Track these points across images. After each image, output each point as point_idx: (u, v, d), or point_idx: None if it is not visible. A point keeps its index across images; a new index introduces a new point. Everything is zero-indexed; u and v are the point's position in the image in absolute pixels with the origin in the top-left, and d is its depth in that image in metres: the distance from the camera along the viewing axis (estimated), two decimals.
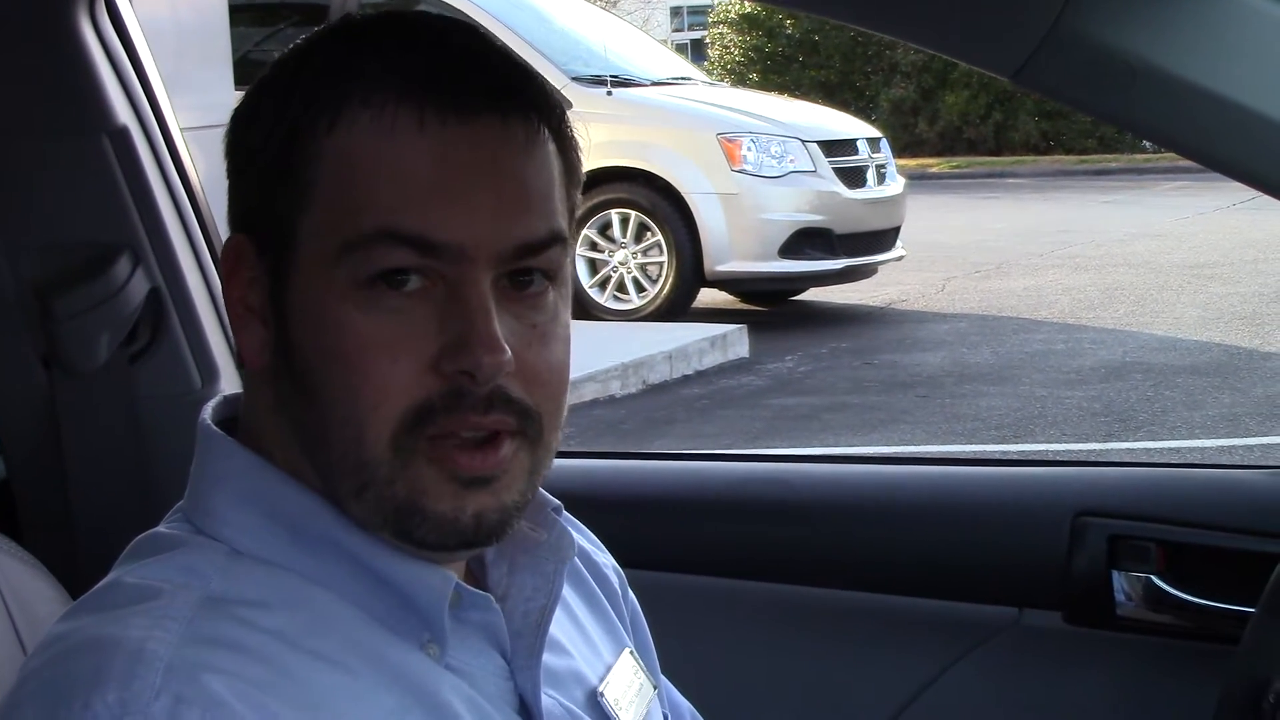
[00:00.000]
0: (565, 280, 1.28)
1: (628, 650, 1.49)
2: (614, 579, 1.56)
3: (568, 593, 1.40)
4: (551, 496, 1.37)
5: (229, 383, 2.19)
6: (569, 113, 1.30)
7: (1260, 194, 1.46)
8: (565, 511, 1.39)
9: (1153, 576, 2.09)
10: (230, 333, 1.40)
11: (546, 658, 1.32)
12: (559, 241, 1.25)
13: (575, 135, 1.30)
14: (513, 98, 1.24)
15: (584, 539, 1.53)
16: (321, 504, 1.24)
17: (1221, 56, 1.37)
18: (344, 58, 1.24)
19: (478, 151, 1.21)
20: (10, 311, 2.12)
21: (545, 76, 1.29)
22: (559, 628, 1.37)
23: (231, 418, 1.33)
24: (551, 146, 1.26)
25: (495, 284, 1.22)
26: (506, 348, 1.19)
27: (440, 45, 1.24)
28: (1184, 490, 2.16)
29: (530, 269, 1.24)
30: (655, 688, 1.51)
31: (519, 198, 1.22)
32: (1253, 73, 1.37)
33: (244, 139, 1.28)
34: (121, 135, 2.14)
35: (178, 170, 2.21)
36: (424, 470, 1.20)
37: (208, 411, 1.33)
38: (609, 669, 1.44)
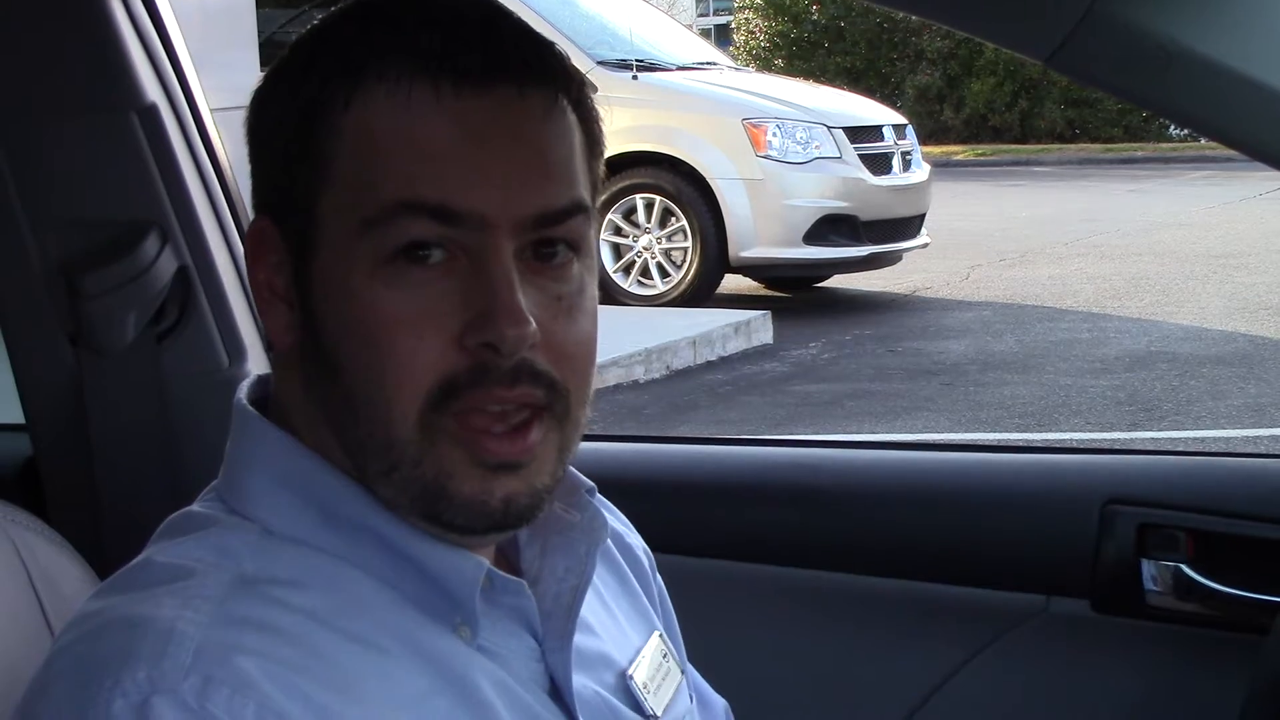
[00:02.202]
0: (590, 252, 1.27)
1: (657, 633, 1.49)
2: (645, 560, 1.56)
3: (598, 574, 1.40)
4: (585, 478, 1.36)
5: (256, 362, 2.19)
6: (594, 97, 1.30)
7: None
8: (598, 493, 1.38)
9: (1182, 565, 2.08)
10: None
11: (577, 639, 1.31)
12: (581, 211, 1.24)
13: (596, 107, 1.29)
14: (529, 68, 1.23)
15: (616, 520, 1.52)
16: (353, 486, 1.24)
17: (1258, 40, 1.36)
18: (359, 35, 1.23)
19: (495, 120, 1.20)
20: (37, 289, 2.12)
21: (567, 53, 1.29)
22: (589, 609, 1.37)
23: (266, 398, 1.33)
24: (572, 117, 1.25)
25: (519, 256, 1.21)
26: (530, 319, 1.18)
27: (456, 18, 1.23)
28: (1215, 479, 2.15)
29: (553, 240, 1.23)
30: (683, 671, 1.50)
31: (539, 166, 1.22)
32: None
33: (263, 120, 1.28)
34: (150, 113, 2.13)
35: (206, 149, 2.21)
36: (450, 452, 1.19)
37: (243, 391, 1.32)
38: (638, 651, 1.44)
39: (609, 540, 1.42)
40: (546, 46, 1.26)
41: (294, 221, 1.24)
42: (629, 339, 9.30)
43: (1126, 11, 1.34)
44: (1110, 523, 2.11)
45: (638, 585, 1.52)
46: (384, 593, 1.23)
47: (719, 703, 1.60)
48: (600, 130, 1.29)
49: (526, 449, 1.21)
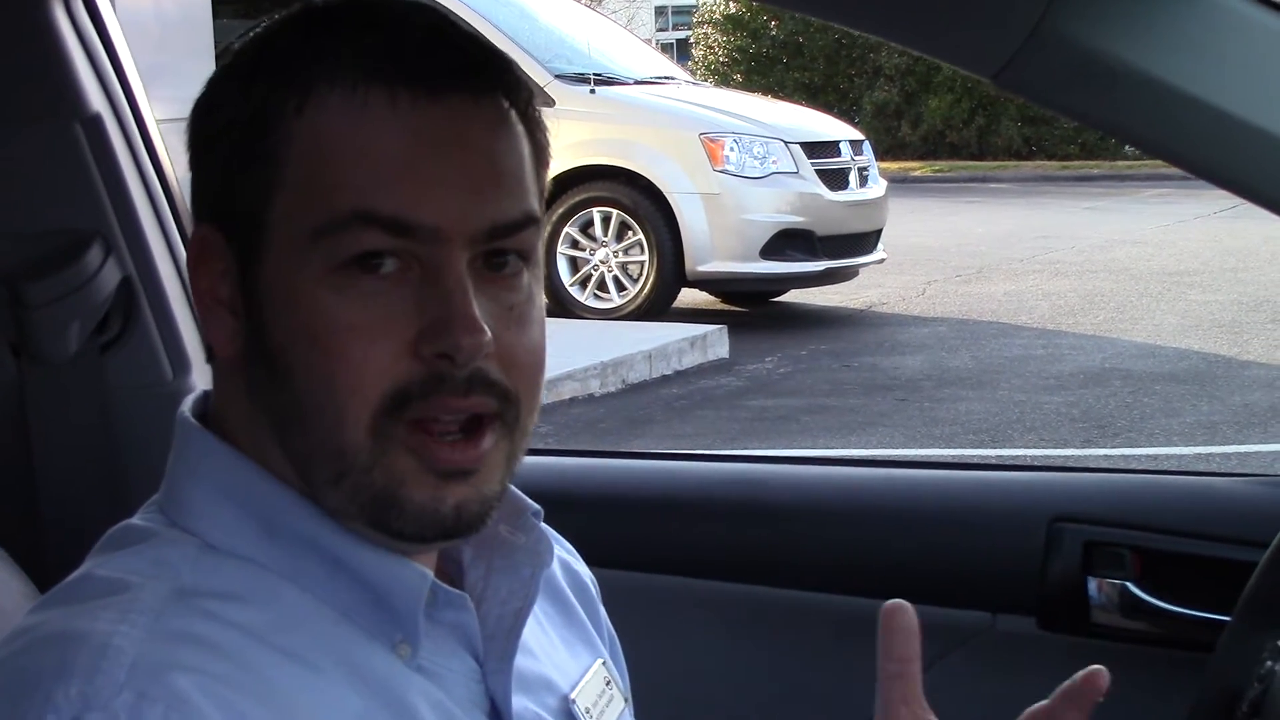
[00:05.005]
0: (538, 261, 1.27)
1: (600, 660, 1.48)
2: (591, 589, 1.55)
3: (541, 601, 1.39)
4: (532, 501, 1.35)
5: (201, 374, 2.17)
6: (552, 110, 1.29)
7: (1241, 202, 1.46)
8: (545, 520, 1.37)
9: (1128, 583, 2.09)
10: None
11: (518, 662, 1.31)
12: (532, 223, 1.25)
13: (541, 116, 1.29)
14: (482, 76, 1.23)
15: (561, 548, 1.51)
16: (296, 498, 1.23)
17: (1204, 61, 1.37)
18: (309, 41, 1.22)
19: (450, 131, 1.20)
20: None
21: (528, 72, 1.28)
22: (531, 635, 1.36)
23: (209, 412, 1.32)
24: (520, 127, 1.25)
25: (471, 265, 1.20)
26: (486, 328, 1.18)
27: (405, 25, 1.23)
28: (1160, 497, 2.16)
29: (505, 250, 1.23)
30: (626, 700, 1.49)
31: (492, 178, 1.22)
32: (1235, 77, 1.36)
33: (208, 126, 1.26)
34: (94, 123, 2.11)
35: (151, 159, 2.19)
36: (402, 459, 1.19)
37: (187, 405, 1.31)
38: (581, 676, 1.43)
39: (555, 568, 1.41)
40: (495, 54, 1.27)
41: (241, 227, 1.23)
42: (585, 352, 9.28)
43: (1073, 30, 1.35)
44: (1056, 540, 2.12)
45: (583, 613, 1.50)
46: (323, 610, 1.21)
47: None
48: (546, 138, 1.29)
49: (478, 456, 1.21)
